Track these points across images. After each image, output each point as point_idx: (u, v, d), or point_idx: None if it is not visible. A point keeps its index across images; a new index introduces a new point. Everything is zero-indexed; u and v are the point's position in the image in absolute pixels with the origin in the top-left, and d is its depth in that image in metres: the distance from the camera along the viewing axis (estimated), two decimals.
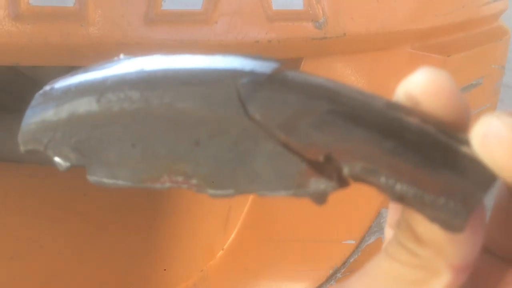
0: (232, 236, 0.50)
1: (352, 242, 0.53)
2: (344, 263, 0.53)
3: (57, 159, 0.19)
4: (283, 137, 0.18)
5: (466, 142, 0.17)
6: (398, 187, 0.17)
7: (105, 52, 0.32)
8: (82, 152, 0.19)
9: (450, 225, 0.17)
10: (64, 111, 0.19)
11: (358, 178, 0.18)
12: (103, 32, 0.32)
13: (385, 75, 0.46)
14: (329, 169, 0.18)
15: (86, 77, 0.19)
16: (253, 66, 0.18)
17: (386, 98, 0.18)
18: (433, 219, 0.17)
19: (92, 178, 0.19)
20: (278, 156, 0.18)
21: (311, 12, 0.40)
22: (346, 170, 0.17)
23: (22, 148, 0.19)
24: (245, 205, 0.50)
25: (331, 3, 0.40)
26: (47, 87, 0.19)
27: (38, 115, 0.19)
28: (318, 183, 0.18)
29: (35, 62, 0.32)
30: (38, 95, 0.19)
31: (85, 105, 0.19)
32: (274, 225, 0.50)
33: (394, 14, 0.44)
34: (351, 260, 0.53)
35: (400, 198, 0.17)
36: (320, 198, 0.18)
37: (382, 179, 0.17)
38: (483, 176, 0.17)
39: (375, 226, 0.53)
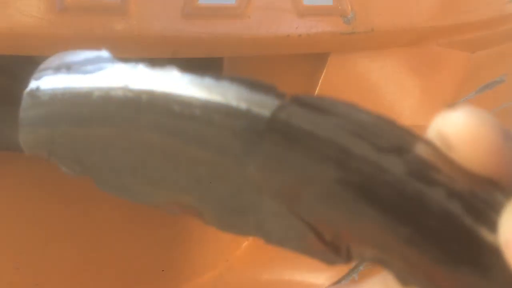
0: None
1: None
2: None
3: (63, 167, 0.18)
4: (286, 203, 0.16)
5: (495, 225, 0.14)
6: (411, 280, 0.15)
7: (145, 44, 0.34)
8: (85, 165, 0.18)
9: None
10: (56, 123, 0.18)
11: (368, 262, 0.16)
12: (142, 25, 0.34)
13: (411, 72, 0.48)
14: (337, 243, 0.16)
15: (70, 82, 0.18)
16: (250, 102, 0.15)
17: (409, 150, 0.15)
18: None
19: (101, 187, 0.18)
20: (283, 218, 0.16)
21: (340, 7, 0.41)
22: (355, 254, 0.16)
23: (27, 152, 0.19)
24: None
25: None
26: (33, 85, 0.18)
27: (31, 123, 0.18)
28: (325, 255, 0.16)
29: None
30: (26, 95, 0.18)
31: (77, 124, 0.17)
32: None
33: (421, 10, 0.45)
34: None
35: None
36: (329, 263, 0.17)
37: (395, 271, 0.16)
38: (508, 278, 0.14)
39: None
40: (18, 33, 0.32)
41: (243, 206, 0.16)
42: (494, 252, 0.14)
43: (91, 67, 0.18)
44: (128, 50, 0.34)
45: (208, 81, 0.16)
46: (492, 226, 0.14)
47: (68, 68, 0.18)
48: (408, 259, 0.15)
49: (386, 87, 0.48)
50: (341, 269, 0.53)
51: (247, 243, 0.52)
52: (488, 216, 0.14)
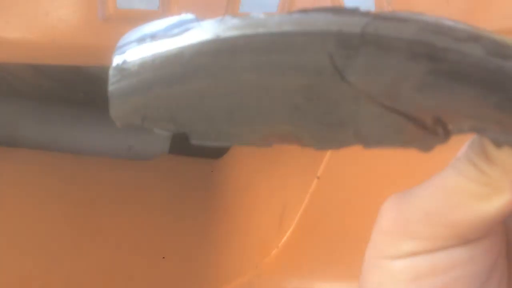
0: (287, 234, 0.52)
1: None
2: None
3: (157, 130, 0.20)
4: (387, 103, 0.18)
5: None
6: (505, 138, 0.19)
7: None
8: (180, 122, 0.20)
9: None
10: (149, 90, 0.19)
11: (465, 133, 0.19)
12: None
13: None
14: (435, 126, 0.19)
15: (158, 48, 0.19)
16: (340, 24, 0.18)
17: (484, 37, 0.18)
18: None
19: (194, 141, 0.20)
20: (382, 117, 0.19)
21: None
22: (454, 129, 0.19)
23: (118, 125, 0.20)
24: (301, 203, 0.51)
25: (402, 5, 0.42)
26: (118, 60, 0.20)
27: (122, 95, 0.20)
28: (424, 140, 0.19)
29: None
30: (113, 70, 0.20)
31: (172, 85, 0.19)
32: (330, 224, 0.52)
33: (465, 17, 0.45)
34: None
35: (506, 145, 0.19)
36: (426, 149, 0.20)
37: (490, 135, 0.19)
38: None
39: None
40: (60, 43, 0.33)
41: (341, 119, 0.19)
42: None
43: (177, 30, 0.19)
44: None
45: (296, 15, 0.18)
46: None
47: (153, 37, 0.19)
48: (501, 121, 0.18)
49: None
50: None
51: (276, 250, 0.53)
52: None
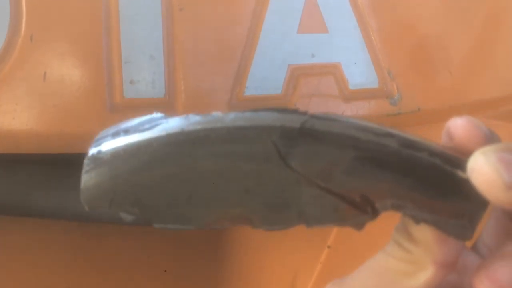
0: None
1: None
2: None
3: (122, 214, 0.22)
4: (322, 184, 0.22)
5: (465, 167, 0.22)
6: (420, 215, 0.22)
7: None
8: (144, 206, 0.22)
9: (461, 236, 0.23)
10: (118, 176, 0.22)
11: (389, 210, 0.22)
12: None
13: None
14: (364, 204, 0.22)
15: (129, 140, 0.22)
16: (283, 121, 0.22)
17: (397, 134, 0.22)
18: (448, 234, 0.23)
19: (156, 225, 0.22)
20: (320, 198, 0.22)
21: (386, 89, 0.42)
22: (379, 207, 0.22)
23: (86, 208, 0.22)
24: (312, 272, 0.51)
25: (405, 79, 0.43)
26: (94, 151, 0.22)
27: (94, 181, 0.22)
28: (356, 217, 0.22)
29: None
30: (87, 160, 0.22)
31: (139, 171, 0.21)
32: None
33: (468, 86, 0.45)
34: None
35: (422, 222, 0.22)
36: (359, 227, 0.23)
37: (408, 211, 0.22)
38: (479, 196, 0.22)
39: None
40: (68, 133, 0.34)
41: (286, 200, 0.22)
42: (468, 182, 0.22)
43: (147, 125, 0.22)
44: None
45: (248, 114, 0.22)
46: (463, 168, 0.22)
47: (126, 131, 0.22)
48: (415, 200, 0.22)
49: None
50: None
51: None
52: (460, 163, 0.22)
